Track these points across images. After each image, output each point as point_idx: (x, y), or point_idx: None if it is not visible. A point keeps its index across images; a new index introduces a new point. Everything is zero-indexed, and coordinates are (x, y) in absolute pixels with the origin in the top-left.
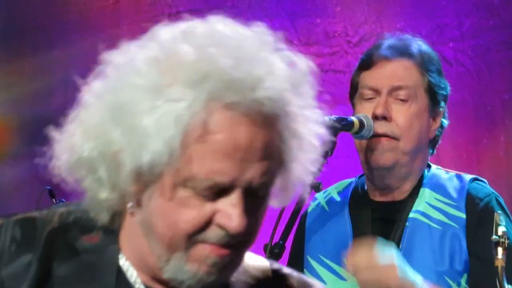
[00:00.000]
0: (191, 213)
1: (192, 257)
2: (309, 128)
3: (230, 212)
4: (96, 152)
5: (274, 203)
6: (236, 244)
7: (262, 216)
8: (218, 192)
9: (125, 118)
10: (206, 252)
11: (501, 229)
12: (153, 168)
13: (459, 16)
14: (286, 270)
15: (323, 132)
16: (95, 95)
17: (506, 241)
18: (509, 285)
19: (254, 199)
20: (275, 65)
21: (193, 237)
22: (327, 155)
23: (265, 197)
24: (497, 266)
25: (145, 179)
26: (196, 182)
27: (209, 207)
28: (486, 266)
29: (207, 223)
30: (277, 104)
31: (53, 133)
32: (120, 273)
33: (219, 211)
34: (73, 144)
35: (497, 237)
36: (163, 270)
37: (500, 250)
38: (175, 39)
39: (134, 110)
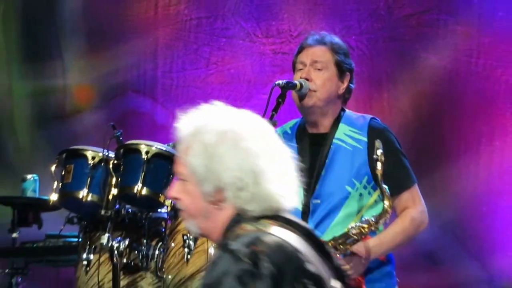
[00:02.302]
0: None
1: None
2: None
3: None
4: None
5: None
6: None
7: (184, 192)
8: None
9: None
10: None
11: (379, 151)
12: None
13: (359, 21)
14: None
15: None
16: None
17: (383, 158)
18: (384, 185)
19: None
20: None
21: None
22: (279, 104)
23: (184, 182)
24: (377, 174)
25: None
26: None
27: None
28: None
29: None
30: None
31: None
32: None
33: None
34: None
35: (376, 156)
36: None
37: (379, 164)
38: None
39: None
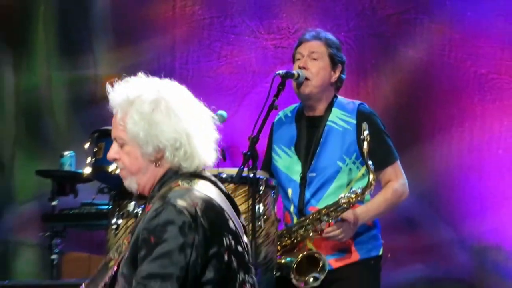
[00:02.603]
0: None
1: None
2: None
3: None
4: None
5: None
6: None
7: (124, 153)
8: None
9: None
10: None
11: (365, 132)
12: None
13: (348, 20)
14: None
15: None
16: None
17: (369, 138)
18: (370, 161)
19: (119, 145)
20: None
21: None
22: (280, 91)
23: (123, 145)
24: (364, 152)
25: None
26: None
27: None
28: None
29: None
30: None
31: None
32: None
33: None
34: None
35: (363, 136)
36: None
37: (365, 143)
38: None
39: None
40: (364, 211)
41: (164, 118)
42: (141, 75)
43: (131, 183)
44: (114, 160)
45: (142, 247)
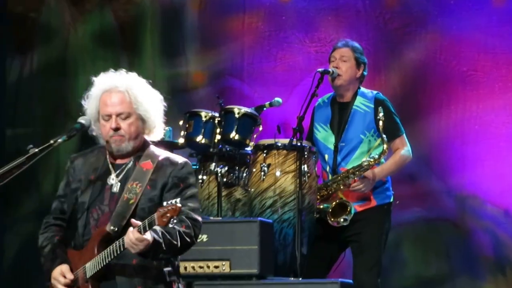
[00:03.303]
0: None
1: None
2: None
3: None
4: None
5: None
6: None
7: (127, 124)
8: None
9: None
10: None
11: (380, 114)
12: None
13: (367, 31)
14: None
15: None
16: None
17: (383, 118)
18: (385, 134)
19: (121, 119)
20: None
21: (109, 133)
22: (319, 83)
23: (127, 117)
24: (379, 128)
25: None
26: (103, 116)
27: (108, 124)
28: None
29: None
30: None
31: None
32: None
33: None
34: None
35: (379, 117)
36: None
37: (380, 122)
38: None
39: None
40: (380, 171)
41: (154, 100)
42: (123, 71)
43: (128, 147)
44: (118, 129)
45: (173, 188)
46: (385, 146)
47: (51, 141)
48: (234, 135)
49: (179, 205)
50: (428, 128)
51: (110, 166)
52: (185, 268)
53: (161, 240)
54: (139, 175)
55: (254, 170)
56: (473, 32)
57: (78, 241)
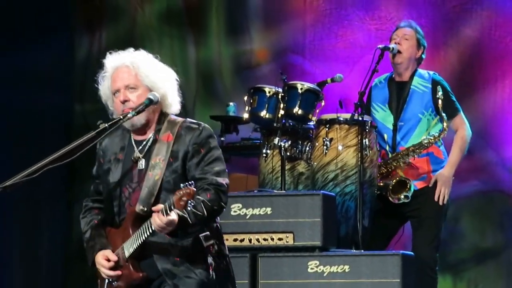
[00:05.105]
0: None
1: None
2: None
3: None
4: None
5: None
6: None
7: (136, 97)
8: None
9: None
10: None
11: (439, 93)
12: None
13: (426, 10)
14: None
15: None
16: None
17: (442, 97)
18: (444, 113)
19: (130, 92)
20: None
21: (120, 108)
22: (380, 59)
23: (134, 89)
24: (438, 107)
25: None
26: (114, 93)
27: (118, 99)
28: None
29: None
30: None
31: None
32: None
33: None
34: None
35: (437, 96)
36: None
37: (439, 100)
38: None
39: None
40: (448, 168)
41: (163, 74)
42: (131, 49)
43: (141, 119)
44: (126, 101)
45: (195, 156)
46: (445, 124)
47: (120, 116)
48: (297, 110)
49: (193, 188)
50: (483, 103)
51: (134, 143)
52: (250, 240)
53: (186, 216)
54: (161, 148)
55: (316, 144)
56: None
57: (115, 220)
